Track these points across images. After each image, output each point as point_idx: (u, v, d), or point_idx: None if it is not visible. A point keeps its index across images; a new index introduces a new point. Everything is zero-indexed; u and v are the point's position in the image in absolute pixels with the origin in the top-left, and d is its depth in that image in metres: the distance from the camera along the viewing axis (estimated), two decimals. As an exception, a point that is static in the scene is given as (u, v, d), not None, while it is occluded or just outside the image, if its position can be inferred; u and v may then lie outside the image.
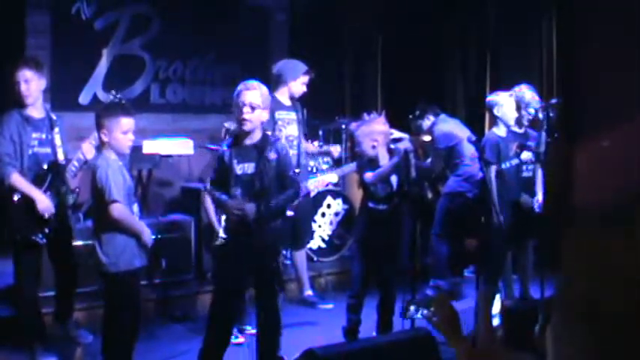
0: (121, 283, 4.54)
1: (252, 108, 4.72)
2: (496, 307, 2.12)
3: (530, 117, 6.36)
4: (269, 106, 4.90)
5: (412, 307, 2.20)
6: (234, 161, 4.79)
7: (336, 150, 7.13)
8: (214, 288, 5.25)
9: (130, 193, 4.62)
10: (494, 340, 2.18)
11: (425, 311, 2.25)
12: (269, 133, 5.20)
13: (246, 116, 4.71)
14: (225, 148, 4.88)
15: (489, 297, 2.12)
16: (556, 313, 1.16)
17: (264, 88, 4.87)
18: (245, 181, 4.78)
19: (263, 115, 4.81)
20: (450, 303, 2.26)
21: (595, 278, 1.09)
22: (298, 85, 6.41)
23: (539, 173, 6.36)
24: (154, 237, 6.23)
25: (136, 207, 4.68)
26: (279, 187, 4.81)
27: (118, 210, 4.44)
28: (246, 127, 4.75)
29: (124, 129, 4.54)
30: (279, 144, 4.90)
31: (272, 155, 4.77)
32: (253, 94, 4.76)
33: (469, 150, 6.73)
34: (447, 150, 7.11)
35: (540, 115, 6.29)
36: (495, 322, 2.23)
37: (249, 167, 4.79)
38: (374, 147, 5.24)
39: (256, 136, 4.82)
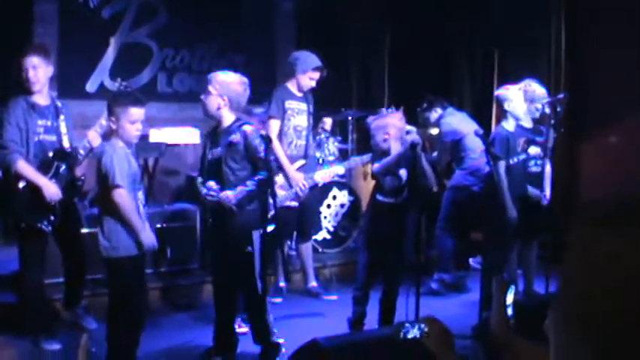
0: (122, 269, 4.53)
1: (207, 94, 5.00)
2: (510, 297, 2.12)
3: (539, 112, 6.34)
4: (225, 92, 5.00)
5: (407, 324, 2.22)
6: (207, 146, 5.02)
7: (328, 123, 7.13)
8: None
9: (135, 179, 4.62)
10: (509, 330, 2.17)
11: (420, 327, 2.25)
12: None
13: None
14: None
15: (505, 286, 2.12)
16: (553, 312, 1.16)
17: (218, 77, 5.07)
18: (213, 164, 4.94)
19: (218, 101, 4.97)
20: (441, 323, 2.26)
21: (600, 275, 1.08)
22: (306, 79, 6.40)
23: (548, 168, 6.35)
24: (159, 225, 6.27)
25: (141, 194, 4.67)
26: (251, 170, 4.89)
27: (120, 195, 4.44)
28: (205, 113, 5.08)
29: (131, 119, 4.55)
30: (245, 127, 4.97)
31: (236, 138, 4.89)
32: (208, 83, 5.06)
33: (476, 143, 6.71)
34: (453, 143, 7.10)
35: (547, 110, 6.27)
36: (509, 311, 2.23)
37: (216, 152, 4.96)
38: (385, 140, 5.24)
39: (227, 122, 5.00)
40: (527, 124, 6.31)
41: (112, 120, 4.56)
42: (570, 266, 1.12)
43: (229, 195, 4.82)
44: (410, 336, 2.24)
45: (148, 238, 4.56)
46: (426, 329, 2.21)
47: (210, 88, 4.99)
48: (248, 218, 4.89)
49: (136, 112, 4.58)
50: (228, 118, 4.99)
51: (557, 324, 1.11)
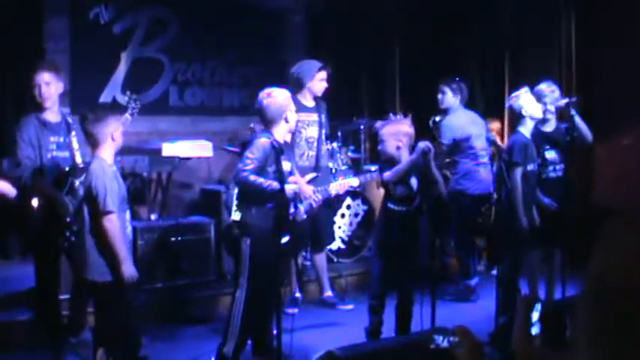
0: (108, 293, 4.46)
1: None
2: (536, 314, 2.06)
3: (552, 112, 6.15)
4: None
5: (438, 336, 2.17)
6: (283, 157, 4.93)
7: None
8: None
9: (123, 199, 4.56)
10: (530, 347, 2.13)
11: (450, 339, 2.21)
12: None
13: None
14: (270, 140, 4.93)
15: (530, 304, 2.07)
16: (583, 290, 1.23)
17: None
18: (287, 175, 4.99)
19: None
20: (473, 334, 2.21)
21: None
22: (317, 83, 6.44)
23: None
24: (174, 239, 6.26)
25: (128, 214, 4.63)
26: None
27: (110, 221, 4.37)
28: None
29: (122, 127, 4.61)
30: None
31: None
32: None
33: (476, 143, 6.78)
34: (449, 146, 7.00)
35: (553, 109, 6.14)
36: (534, 330, 2.18)
37: (287, 165, 5.07)
38: (398, 147, 5.20)
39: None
40: (549, 127, 6.14)
41: (102, 136, 4.48)
42: (603, 254, 1.18)
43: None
44: (439, 346, 2.20)
45: (129, 270, 4.42)
46: (456, 340, 2.16)
47: None
48: None
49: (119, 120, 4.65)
50: None
51: (586, 302, 1.17)
